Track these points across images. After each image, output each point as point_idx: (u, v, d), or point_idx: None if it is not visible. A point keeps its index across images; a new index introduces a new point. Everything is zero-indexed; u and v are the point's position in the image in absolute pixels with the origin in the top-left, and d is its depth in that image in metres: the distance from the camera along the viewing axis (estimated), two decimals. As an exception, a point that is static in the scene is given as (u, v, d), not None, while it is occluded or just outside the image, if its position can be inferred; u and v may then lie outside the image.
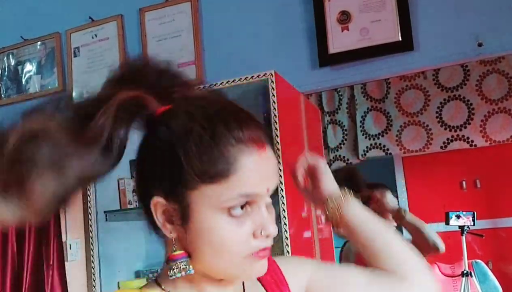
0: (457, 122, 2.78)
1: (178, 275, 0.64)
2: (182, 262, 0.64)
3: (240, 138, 0.62)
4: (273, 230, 0.64)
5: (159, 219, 0.64)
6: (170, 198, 0.63)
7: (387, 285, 0.79)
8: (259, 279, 0.77)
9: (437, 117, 2.82)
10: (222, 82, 1.59)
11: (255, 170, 0.63)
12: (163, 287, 0.68)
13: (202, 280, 0.68)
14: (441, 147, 2.81)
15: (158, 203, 0.64)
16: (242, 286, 0.74)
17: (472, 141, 2.74)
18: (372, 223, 0.82)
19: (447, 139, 2.79)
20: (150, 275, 2.00)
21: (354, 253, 2.31)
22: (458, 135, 2.77)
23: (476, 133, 2.73)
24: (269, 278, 0.78)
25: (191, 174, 0.61)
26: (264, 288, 0.77)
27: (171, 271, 0.64)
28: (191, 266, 0.64)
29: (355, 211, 0.82)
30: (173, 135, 0.62)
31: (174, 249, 0.65)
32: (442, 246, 2.15)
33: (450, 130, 2.79)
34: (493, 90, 2.71)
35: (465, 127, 2.76)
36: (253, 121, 0.65)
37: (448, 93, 2.81)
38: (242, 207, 0.63)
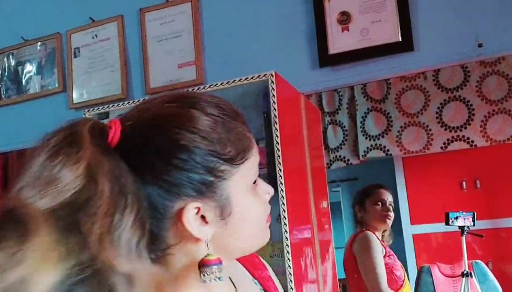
0: (457, 123, 2.78)
1: (213, 281, 0.61)
2: (217, 267, 0.62)
3: (237, 113, 0.66)
4: (272, 188, 0.71)
5: (193, 225, 0.61)
6: (204, 198, 0.61)
7: None
8: (255, 277, 0.81)
9: (437, 118, 2.82)
10: (222, 83, 1.59)
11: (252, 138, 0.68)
12: None
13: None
14: (441, 148, 2.81)
15: (190, 209, 0.60)
16: (231, 281, 0.76)
17: (473, 141, 2.74)
18: None
19: (447, 140, 2.79)
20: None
21: (346, 255, 2.34)
22: (458, 135, 2.77)
23: (476, 134, 2.74)
24: (261, 275, 0.83)
25: (226, 162, 0.62)
26: (260, 284, 0.81)
27: (205, 276, 0.61)
28: (222, 272, 0.63)
29: None
30: (188, 135, 0.60)
31: (207, 253, 0.62)
32: None
33: (450, 131, 2.79)
34: (493, 91, 2.71)
35: (465, 128, 2.76)
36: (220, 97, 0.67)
37: (448, 94, 2.81)
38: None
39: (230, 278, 0.75)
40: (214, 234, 0.63)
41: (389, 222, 2.36)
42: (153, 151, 0.59)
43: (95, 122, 0.59)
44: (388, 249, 2.29)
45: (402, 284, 2.24)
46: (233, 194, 0.63)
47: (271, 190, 0.71)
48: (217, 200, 0.62)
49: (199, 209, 0.61)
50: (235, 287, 0.75)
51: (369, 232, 2.28)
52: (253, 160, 0.66)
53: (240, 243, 0.67)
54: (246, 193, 0.65)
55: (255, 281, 0.81)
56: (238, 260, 0.80)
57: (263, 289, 0.81)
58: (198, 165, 0.60)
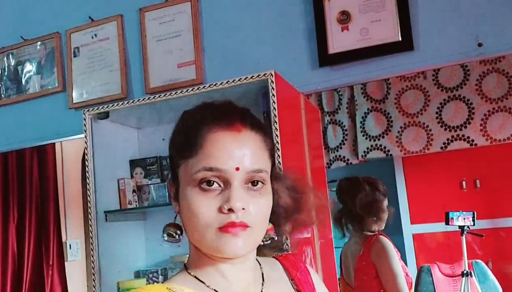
0: (457, 122, 2.77)
1: (165, 238, 0.80)
2: (170, 227, 0.79)
3: (211, 121, 0.72)
4: (234, 204, 0.68)
5: (172, 197, 0.79)
6: (172, 179, 0.78)
7: None
8: (292, 277, 0.85)
9: (437, 117, 2.82)
10: (222, 82, 1.59)
11: (222, 147, 0.70)
12: (189, 271, 0.76)
13: (218, 261, 0.74)
14: (441, 147, 2.81)
15: (169, 184, 0.80)
16: (262, 276, 0.80)
17: (473, 140, 2.74)
18: None
19: (447, 139, 2.79)
20: (150, 275, 2.00)
21: (354, 257, 2.28)
22: (458, 135, 2.77)
23: (476, 132, 2.74)
24: (299, 277, 0.86)
25: (176, 154, 0.76)
26: (295, 284, 0.84)
27: (162, 235, 0.80)
28: (178, 233, 0.79)
29: None
30: (175, 128, 0.79)
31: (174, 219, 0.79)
32: None
33: (450, 131, 2.79)
34: (493, 89, 2.71)
35: (465, 127, 2.76)
36: (231, 110, 0.75)
37: (448, 94, 2.81)
38: (212, 183, 0.69)
39: (262, 273, 0.81)
40: (180, 213, 0.75)
41: None
42: None
43: None
44: (397, 251, 2.22)
45: (412, 282, 2.21)
46: (181, 181, 0.74)
47: (229, 204, 0.68)
48: (176, 182, 0.76)
49: (172, 185, 0.78)
50: (263, 280, 0.80)
51: (385, 237, 2.17)
52: (201, 159, 0.70)
53: (191, 235, 0.73)
54: (191, 187, 0.71)
55: (291, 282, 0.85)
56: (278, 259, 0.87)
57: (297, 290, 0.84)
58: (171, 151, 0.79)
